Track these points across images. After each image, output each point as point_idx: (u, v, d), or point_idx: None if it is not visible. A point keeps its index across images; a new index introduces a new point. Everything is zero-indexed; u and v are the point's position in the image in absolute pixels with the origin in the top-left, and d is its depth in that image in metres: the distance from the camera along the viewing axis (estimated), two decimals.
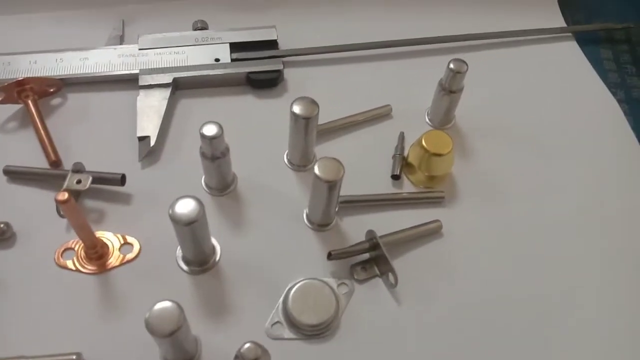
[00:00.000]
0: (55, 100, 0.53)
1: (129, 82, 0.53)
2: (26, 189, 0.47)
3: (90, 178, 0.44)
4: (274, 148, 0.51)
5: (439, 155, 0.47)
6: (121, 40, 0.57)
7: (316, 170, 0.41)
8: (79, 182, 0.44)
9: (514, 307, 0.43)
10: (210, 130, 0.42)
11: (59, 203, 0.36)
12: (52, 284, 0.43)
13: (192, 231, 0.39)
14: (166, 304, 0.34)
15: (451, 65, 0.48)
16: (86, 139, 0.51)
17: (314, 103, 0.44)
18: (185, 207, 0.38)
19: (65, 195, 0.36)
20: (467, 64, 0.48)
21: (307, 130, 0.45)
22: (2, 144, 0.50)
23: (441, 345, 0.41)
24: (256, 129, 0.52)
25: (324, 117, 0.49)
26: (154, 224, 0.45)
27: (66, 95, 0.53)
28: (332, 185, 0.41)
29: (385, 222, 0.46)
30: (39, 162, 0.49)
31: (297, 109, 0.44)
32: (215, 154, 0.43)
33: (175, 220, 0.38)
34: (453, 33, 0.59)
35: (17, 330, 0.41)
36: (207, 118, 0.51)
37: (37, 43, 0.55)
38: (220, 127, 0.42)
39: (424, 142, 0.47)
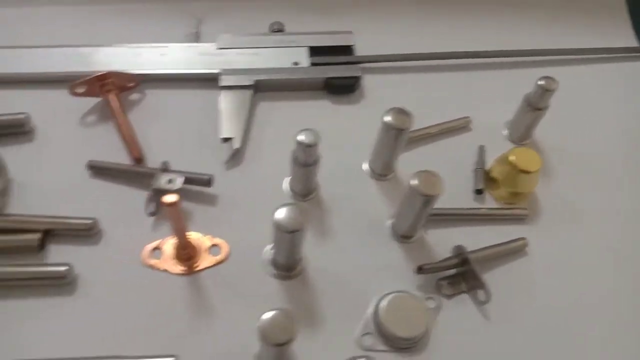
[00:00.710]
0: (133, 96, 0.52)
1: (207, 81, 0.53)
2: (109, 185, 0.47)
3: (182, 179, 0.44)
4: (352, 155, 0.51)
5: (527, 172, 0.46)
6: (197, 37, 0.56)
7: (415, 182, 0.40)
8: (169, 181, 0.44)
9: (603, 326, 0.43)
10: (307, 137, 0.41)
11: (166, 205, 0.36)
12: (139, 283, 0.42)
13: (293, 239, 0.39)
14: (278, 312, 0.34)
15: (541, 82, 0.48)
16: (164, 136, 0.50)
17: (406, 114, 0.44)
18: (290, 214, 0.37)
19: (175, 198, 0.36)
20: (557, 82, 0.48)
21: (397, 141, 0.45)
22: (81, 137, 0.49)
23: None
24: (334, 135, 0.50)
25: None
26: (240, 225, 0.45)
27: (144, 91, 0.53)
28: (428, 200, 0.41)
29: (468, 237, 0.46)
30: (119, 157, 0.48)
31: (389, 119, 0.44)
32: (308, 161, 0.43)
33: (279, 227, 0.37)
34: (531, 47, 0.58)
35: (102, 328, 0.40)
36: (286, 122, 0.52)
37: (111, 36, 0.55)
38: (317, 135, 0.42)
39: (513, 158, 0.47)
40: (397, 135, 0.44)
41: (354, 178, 0.49)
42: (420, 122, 0.53)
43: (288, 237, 0.38)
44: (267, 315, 0.34)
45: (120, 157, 0.48)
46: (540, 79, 0.48)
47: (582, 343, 0.42)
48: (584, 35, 0.61)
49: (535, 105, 0.49)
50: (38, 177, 0.47)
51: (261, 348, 0.37)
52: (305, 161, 0.43)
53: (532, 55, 0.58)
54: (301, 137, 0.41)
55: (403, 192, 0.46)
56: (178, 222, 0.38)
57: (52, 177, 0.47)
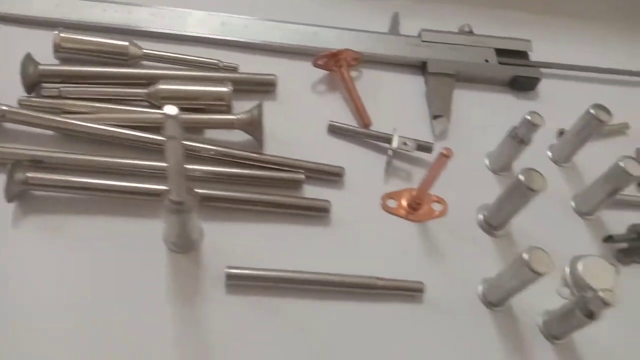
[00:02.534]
0: (353, 73, 0.61)
1: (410, 66, 0.63)
2: (344, 143, 0.56)
3: (416, 143, 0.53)
4: (533, 141, 0.57)
5: None
6: (396, 30, 0.65)
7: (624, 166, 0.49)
8: (405, 144, 0.53)
9: None
10: (536, 119, 0.50)
11: (444, 157, 0.44)
12: (379, 223, 0.51)
13: (524, 199, 0.47)
14: (542, 252, 0.42)
15: None
16: (379, 109, 0.58)
17: (608, 110, 0.53)
18: (535, 178, 0.46)
19: (451, 152, 0.44)
20: None
21: (594, 131, 0.54)
22: (314, 100, 0.59)
23: None
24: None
25: (564, 125, 0.59)
26: (452, 188, 0.54)
27: (361, 70, 0.62)
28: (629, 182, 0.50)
29: (631, 218, 0.55)
30: (346, 121, 0.57)
31: (594, 111, 0.52)
32: (525, 139, 0.52)
33: (520, 185, 0.46)
34: None
35: (354, 254, 0.49)
36: (478, 108, 0.61)
37: (327, 18, 0.64)
38: (543, 119, 0.50)
39: None
40: (596, 127, 0.53)
41: (538, 161, 0.57)
42: None
43: (529, 197, 0.47)
44: (531, 249, 0.42)
45: (346, 121, 0.57)
46: None
47: None
48: None
49: None
50: (282, 129, 0.55)
51: (510, 276, 0.45)
52: (524, 139, 0.52)
53: None
54: (529, 117, 0.50)
55: (581, 177, 0.56)
56: (437, 173, 0.47)
57: (294, 130, 0.55)
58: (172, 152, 0.34)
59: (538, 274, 0.42)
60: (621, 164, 0.49)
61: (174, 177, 0.36)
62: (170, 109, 0.30)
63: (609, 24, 0.73)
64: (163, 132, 0.32)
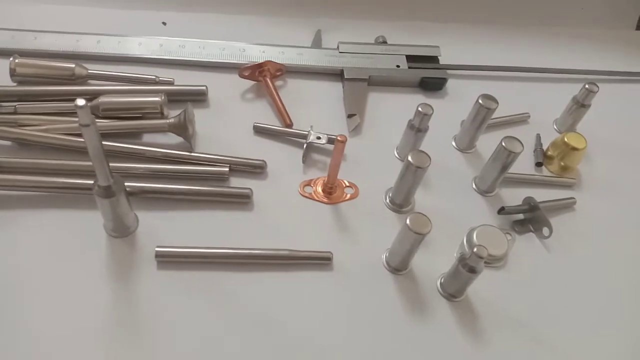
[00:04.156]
0: (278, 82, 0.69)
1: (331, 75, 0.71)
2: (268, 141, 0.63)
3: (327, 137, 0.60)
4: (441, 134, 0.66)
5: (576, 149, 0.63)
6: (318, 44, 0.74)
7: (509, 147, 0.56)
8: (318, 138, 0.60)
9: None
10: (426, 109, 0.58)
11: (339, 142, 0.52)
12: (297, 207, 0.58)
13: (415, 176, 0.54)
14: (421, 215, 0.49)
15: (587, 86, 0.65)
16: (302, 112, 0.66)
17: (494, 99, 0.60)
18: (419, 157, 0.53)
19: (346, 138, 0.52)
20: (598, 87, 0.65)
21: (485, 119, 0.61)
22: (242, 107, 0.67)
23: (578, 282, 0.57)
24: None
25: None
26: (364, 175, 0.61)
27: (286, 79, 0.70)
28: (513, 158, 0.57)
29: (528, 195, 0.62)
30: (271, 123, 0.65)
31: (482, 101, 0.60)
32: (421, 127, 0.59)
33: (410, 165, 0.53)
34: (576, 67, 0.77)
35: (273, 233, 0.56)
36: (390, 108, 0.68)
37: (258, 37, 0.72)
38: (432, 108, 0.58)
39: (566, 139, 0.63)
40: (486, 115, 0.61)
41: (445, 150, 0.66)
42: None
43: (418, 174, 0.54)
44: (413, 214, 0.49)
45: (271, 122, 0.65)
46: (587, 83, 0.65)
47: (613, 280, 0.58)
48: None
49: (581, 102, 0.66)
50: (213, 131, 0.63)
51: (401, 241, 0.52)
52: (419, 127, 0.59)
53: (577, 73, 0.76)
54: (420, 108, 0.58)
55: (483, 161, 0.63)
56: (339, 158, 0.54)
57: (224, 132, 0.63)
58: (89, 139, 0.41)
59: (420, 235, 0.49)
60: (503, 143, 0.57)
61: (96, 162, 0.43)
62: (79, 101, 0.38)
63: (509, 27, 0.83)
64: (78, 122, 0.40)
